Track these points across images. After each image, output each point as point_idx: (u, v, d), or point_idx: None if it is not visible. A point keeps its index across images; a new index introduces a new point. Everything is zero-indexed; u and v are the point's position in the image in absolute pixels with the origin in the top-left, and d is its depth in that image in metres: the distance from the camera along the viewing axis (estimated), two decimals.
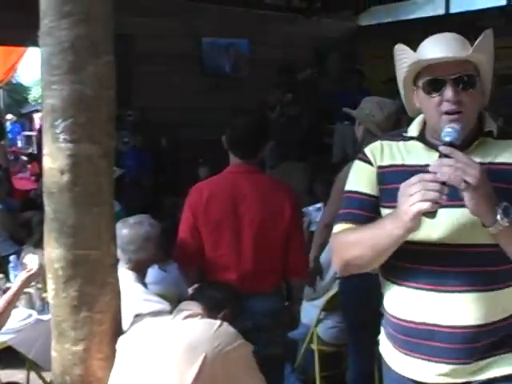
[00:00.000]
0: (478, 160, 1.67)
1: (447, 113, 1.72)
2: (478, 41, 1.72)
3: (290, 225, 2.90)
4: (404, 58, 1.85)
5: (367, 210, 1.88)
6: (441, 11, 11.31)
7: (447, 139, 1.65)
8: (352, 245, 1.83)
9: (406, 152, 1.87)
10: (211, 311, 2.34)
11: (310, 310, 3.80)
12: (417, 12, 11.67)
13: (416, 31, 10.87)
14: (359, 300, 3.37)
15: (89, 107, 2.01)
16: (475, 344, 1.76)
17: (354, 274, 3.33)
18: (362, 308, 3.36)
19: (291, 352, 3.79)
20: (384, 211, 1.83)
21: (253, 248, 2.84)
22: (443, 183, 1.56)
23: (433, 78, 1.74)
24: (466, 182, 1.57)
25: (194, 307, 2.30)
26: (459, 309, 1.77)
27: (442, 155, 1.60)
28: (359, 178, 1.95)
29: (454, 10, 11.14)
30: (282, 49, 11.04)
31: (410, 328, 1.85)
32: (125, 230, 2.79)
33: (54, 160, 1.99)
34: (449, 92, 1.71)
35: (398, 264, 1.84)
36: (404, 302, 1.88)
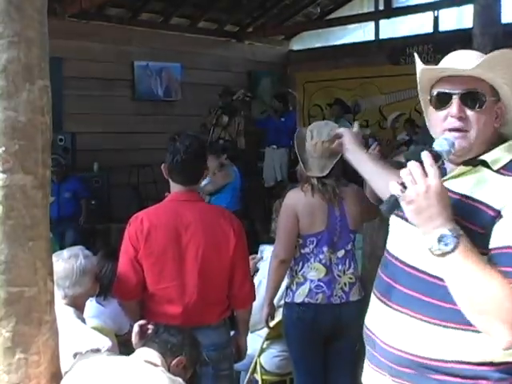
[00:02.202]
0: (453, 186, 1.63)
1: (450, 129, 1.67)
2: (485, 57, 1.65)
3: (234, 254, 2.83)
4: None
5: None
6: (371, 37, 11.53)
7: (436, 148, 1.61)
8: None
9: None
10: (166, 356, 2.22)
11: (253, 340, 3.72)
12: (347, 37, 11.87)
13: (347, 56, 11.18)
14: (303, 328, 3.32)
15: (22, 135, 1.88)
16: (401, 368, 1.71)
17: (297, 301, 3.30)
18: (307, 336, 3.31)
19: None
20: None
21: (198, 279, 2.76)
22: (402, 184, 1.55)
23: (441, 91, 1.71)
24: (402, 191, 1.54)
25: (152, 357, 2.17)
26: (395, 328, 1.73)
27: (417, 161, 1.56)
28: None
29: (383, 36, 11.37)
30: (214, 72, 11.04)
31: (366, 334, 1.87)
32: (60, 265, 2.65)
33: None
34: (454, 107, 1.67)
35: (378, 271, 1.88)
36: (370, 308, 1.88)
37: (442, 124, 1.71)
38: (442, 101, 1.71)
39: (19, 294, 1.91)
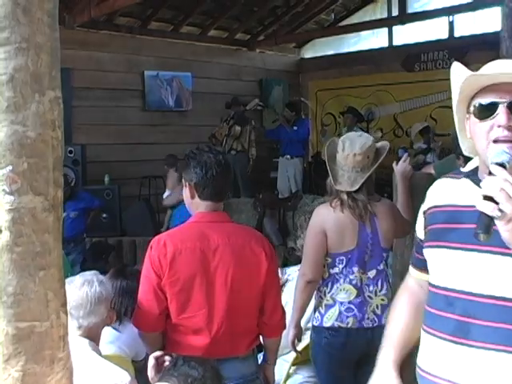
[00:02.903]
0: None
1: (497, 140, 1.54)
2: None
3: (266, 279, 2.62)
4: (458, 78, 1.67)
5: (421, 253, 1.82)
6: (384, 43, 11.35)
7: (497, 160, 1.47)
8: None
9: (454, 191, 1.74)
10: None
11: (279, 365, 3.50)
12: (360, 44, 11.69)
13: (360, 63, 11.01)
14: (333, 353, 3.11)
15: (31, 152, 1.70)
16: None
17: (326, 325, 3.09)
18: (337, 362, 3.10)
19: None
20: (425, 251, 1.75)
21: (227, 307, 2.54)
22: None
23: (485, 100, 1.58)
24: (500, 210, 1.37)
25: None
26: (479, 367, 1.55)
27: (491, 175, 1.42)
28: (417, 223, 1.92)
29: (397, 42, 11.19)
30: (225, 81, 10.90)
31: (432, 382, 1.67)
32: (72, 293, 2.43)
33: None
34: (502, 116, 1.53)
35: (428, 310, 1.72)
36: (430, 352, 1.69)
37: (487, 135, 1.60)
38: (486, 111, 1.60)
39: (29, 329, 1.72)
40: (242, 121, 9.47)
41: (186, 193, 2.71)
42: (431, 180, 3.62)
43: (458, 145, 3.47)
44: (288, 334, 3.25)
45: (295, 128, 9.97)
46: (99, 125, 9.13)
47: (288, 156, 10.00)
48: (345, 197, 3.11)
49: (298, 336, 3.27)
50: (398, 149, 9.20)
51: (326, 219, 3.13)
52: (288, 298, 3.52)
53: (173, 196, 6.68)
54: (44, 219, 1.71)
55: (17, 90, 1.65)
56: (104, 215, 8.13)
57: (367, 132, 9.72)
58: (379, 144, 3.21)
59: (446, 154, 10.02)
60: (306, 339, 3.37)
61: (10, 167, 1.65)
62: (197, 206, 2.67)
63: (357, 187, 3.08)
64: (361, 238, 3.12)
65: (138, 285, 3.34)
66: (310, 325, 3.34)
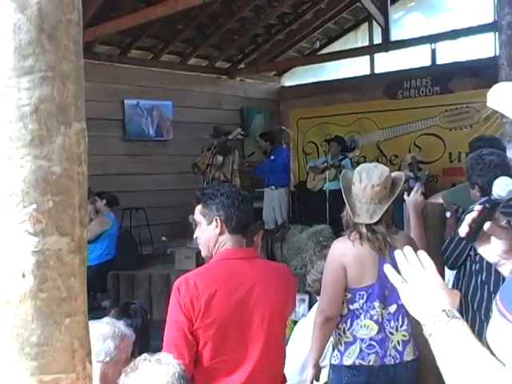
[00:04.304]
0: None
1: None
2: None
3: (289, 314, 2.55)
4: None
5: None
6: (366, 71, 11.42)
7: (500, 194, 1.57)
8: None
9: None
10: None
11: None
12: (341, 72, 11.73)
13: (341, 91, 10.99)
14: None
15: (57, 189, 1.59)
16: None
17: (346, 364, 2.99)
18: None
19: None
20: None
21: (262, 349, 2.45)
22: None
23: None
24: None
25: None
26: None
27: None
28: None
29: (378, 69, 11.26)
30: (206, 110, 10.85)
31: None
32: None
33: (13, 258, 1.55)
34: None
35: None
36: None
37: None
38: None
39: (54, 382, 1.60)
40: (225, 150, 9.38)
41: (210, 231, 2.57)
42: (442, 211, 3.59)
43: (473, 174, 3.45)
44: (304, 373, 3.15)
45: (272, 158, 9.89)
46: None
47: (273, 187, 9.91)
48: (364, 230, 3.03)
49: (317, 375, 3.16)
50: (409, 179, 9.16)
51: (345, 253, 3.04)
52: (301, 337, 3.41)
53: (88, 231, 6.54)
54: (70, 262, 1.60)
55: (41, 122, 1.54)
56: None
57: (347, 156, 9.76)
58: (393, 174, 3.15)
59: (431, 182, 10.08)
60: (323, 378, 3.26)
61: (34, 206, 1.54)
62: (224, 242, 2.56)
63: (377, 219, 3.00)
64: (381, 271, 3.03)
65: (142, 321, 3.21)
66: (325, 363, 3.23)
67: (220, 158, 9.24)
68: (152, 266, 8.51)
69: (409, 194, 3.43)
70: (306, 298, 4.82)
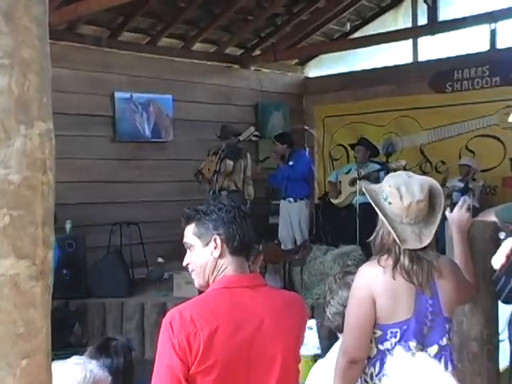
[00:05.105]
0: None
1: None
2: None
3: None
4: None
5: None
6: (408, 59, 11.41)
7: None
8: None
9: None
10: None
11: None
12: (377, 60, 11.73)
13: (378, 83, 10.99)
14: None
15: (15, 202, 1.59)
16: None
17: None
18: None
19: None
20: None
21: None
22: None
23: None
24: None
25: None
26: None
27: None
28: None
29: (423, 57, 11.25)
30: (213, 106, 10.90)
31: None
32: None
33: None
34: None
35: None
36: None
37: None
38: None
39: None
40: (235, 154, 9.40)
41: (208, 254, 2.56)
42: (495, 230, 3.56)
43: None
44: None
45: (291, 163, 9.83)
46: (59, 159, 8.90)
47: (291, 198, 9.84)
48: (407, 259, 3.00)
49: None
50: (453, 191, 9.11)
51: (374, 282, 3.02)
52: (319, 381, 3.40)
53: None
54: (29, 290, 1.60)
55: None
56: (64, 271, 8.02)
57: (387, 167, 9.55)
58: (428, 183, 3.14)
59: (487, 195, 10.03)
60: None
61: None
62: (224, 266, 2.54)
63: (428, 242, 2.99)
64: (418, 304, 3.01)
65: (125, 362, 3.20)
66: None
67: (229, 164, 9.26)
68: (145, 292, 8.56)
69: (451, 210, 3.41)
70: (314, 324, 4.76)
